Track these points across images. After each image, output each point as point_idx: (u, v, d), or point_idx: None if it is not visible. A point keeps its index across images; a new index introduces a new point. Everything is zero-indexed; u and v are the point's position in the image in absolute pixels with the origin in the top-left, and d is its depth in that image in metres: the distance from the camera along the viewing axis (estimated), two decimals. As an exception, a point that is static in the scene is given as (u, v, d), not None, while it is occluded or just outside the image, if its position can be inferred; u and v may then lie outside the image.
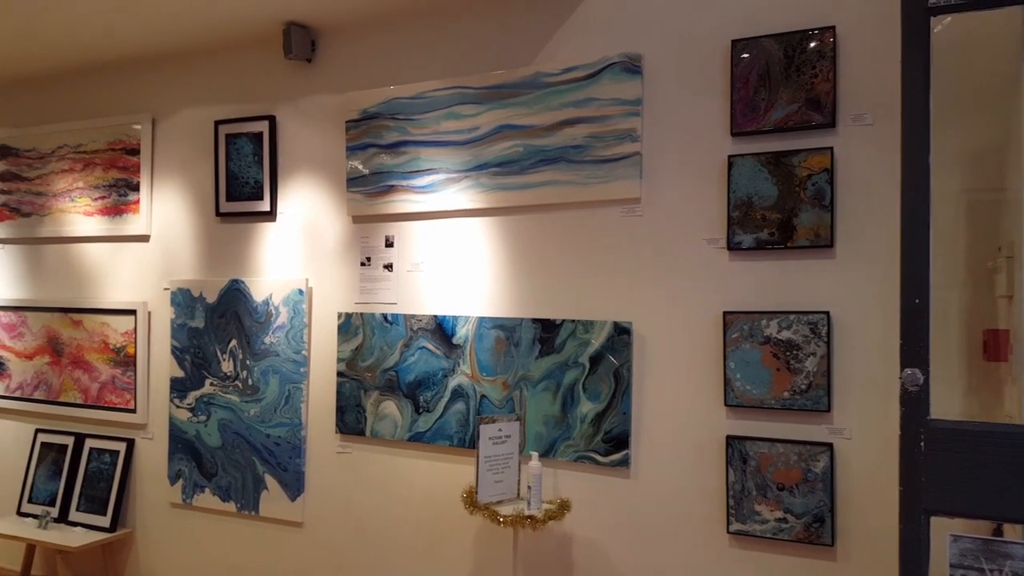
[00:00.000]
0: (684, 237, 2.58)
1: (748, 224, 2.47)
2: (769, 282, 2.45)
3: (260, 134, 3.38)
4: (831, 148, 2.37)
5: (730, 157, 2.48)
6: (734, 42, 2.49)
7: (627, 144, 2.63)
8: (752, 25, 2.49)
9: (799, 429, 2.39)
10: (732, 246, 2.48)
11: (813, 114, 2.40)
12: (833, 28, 2.37)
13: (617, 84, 2.64)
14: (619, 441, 2.63)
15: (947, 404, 2.07)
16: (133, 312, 3.69)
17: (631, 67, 2.63)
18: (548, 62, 2.80)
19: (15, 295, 4.12)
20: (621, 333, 2.63)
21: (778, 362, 2.40)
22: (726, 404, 2.46)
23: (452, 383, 2.93)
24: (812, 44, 2.39)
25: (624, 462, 2.62)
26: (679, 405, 2.57)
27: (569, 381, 2.71)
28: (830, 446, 2.34)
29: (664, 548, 2.58)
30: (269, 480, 3.31)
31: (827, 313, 2.35)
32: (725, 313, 2.47)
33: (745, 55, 2.48)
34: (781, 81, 2.44)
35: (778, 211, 2.43)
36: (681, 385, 2.57)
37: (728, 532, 2.46)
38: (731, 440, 2.46)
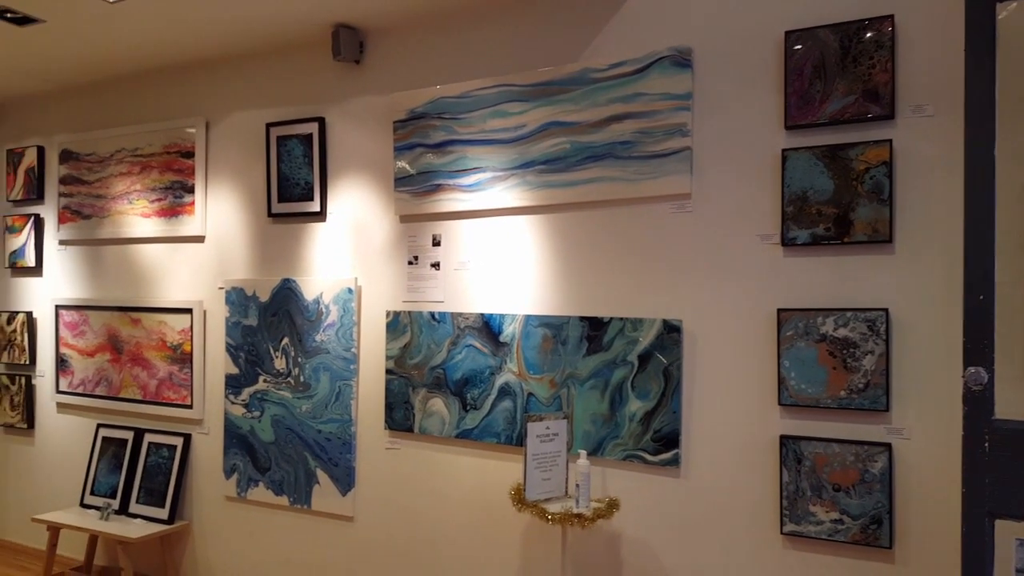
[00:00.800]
0: (736, 233, 2.57)
1: (803, 219, 2.44)
2: (825, 278, 2.43)
3: (310, 136, 3.48)
4: (890, 141, 2.33)
5: (784, 151, 2.46)
6: (787, 33, 2.47)
7: (677, 139, 2.63)
8: (806, 15, 2.47)
9: (856, 429, 2.37)
10: (786, 242, 2.46)
11: (871, 106, 2.36)
12: (891, 17, 2.33)
13: (666, 78, 2.64)
14: (669, 440, 2.63)
15: (1012, 404, 2.02)
16: (189, 311, 3.84)
17: (681, 61, 2.63)
18: (595, 58, 2.82)
19: (77, 295, 4.32)
20: (671, 331, 2.64)
21: (834, 360, 2.38)
22: (780, 403, 2.45)
23: (499, 381, 2.98)
24: (869, 34, 2.36)
25: (674, 461, 2.62)
26: (731, 404, 2.56)
27: (617, 379, 2.73)
28: (888, 446, 2.30)
29: (715, 548, 2.58)
30: (321, 475, 3.41)
31: (886, 310, 2.31)
32: (779, 310, 2.45)
33: (799, 46, 2.45)
34: (837, 72, 2.41)
35: (834, 206, 2.40)
36: (733, 384, 2.56)
37: (782, 533, 2.45)
38: (785, 440, 2.45)
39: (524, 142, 2.93)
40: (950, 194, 2.25)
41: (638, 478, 2.72)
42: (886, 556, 2.33)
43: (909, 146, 2.33)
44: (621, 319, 2.73)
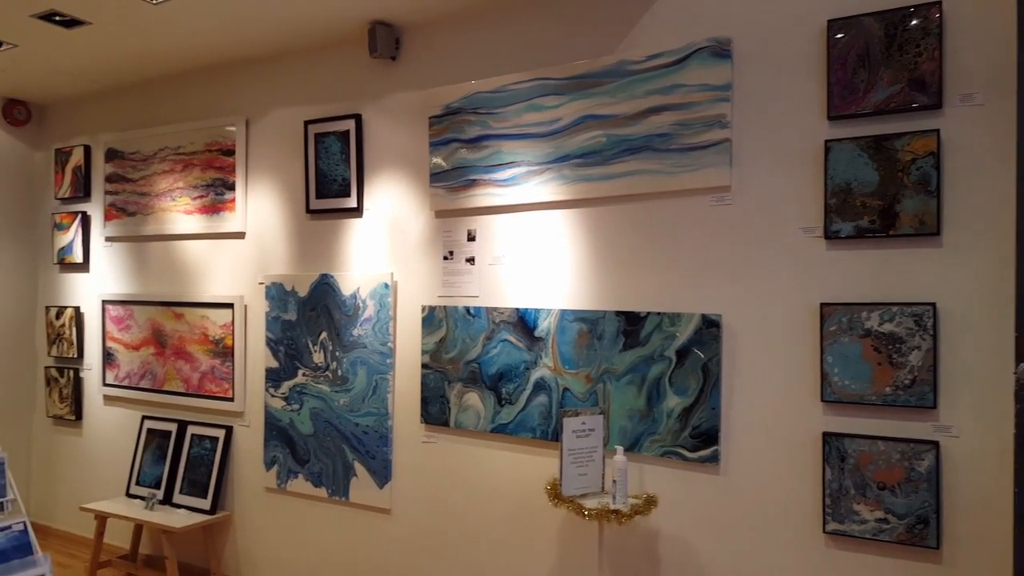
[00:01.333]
0: (777, 226, 2.54)
1: (847, 212, 2.41)
2: (870, 272, 2.39)
3: (347, 132, 3.53)
4: (937, 131, 2.28)
5: (827, 142, 2.43)
6: (830, 22, 2.43)
7: (716, 131, 2.61)
8: (849, 3, 2.42)
9: (902, 426, 2.33)
10: (829, 235, 2.43)
11: (917, 95, 2.31)
12: (939, 3, 2.27)
13: (705, 69, 2.62)
14: (708, 437, 2.62)
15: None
16: (231, 306, 3.93)
17: (720, 51, 2.60)
18: (632, 50, 2.81)
19: (123, 290, 4.46)
20: (710, 326, 2.62)
21: (879, 356, 2.34)
22: (823, 400, 2.42)
23: (534, 376, 2.99)
24: (915, 21, 2.31)
25: (713, 458, 2.61)
26: (772, 400, 2.54)
27: (655, 375, 2.72)
28: (936, 444, 2.26)
29: (755, 546, 2.56)
30: (358, 467, 3.47)
31: (933, 304, 2.27)
32: (822, 305, 2.42)
33: (842, 35, 2.41)
34: (882, 61, 2.36)
35: (879, 198, 2.36)
36: (774, 380, 2.53)
37: (824, 532, 2.42)
38: (828, 437, 2.42)
39: (560, 136, 2.94)
40: (1001, 185, 2.20)
41: (676, 475, 2.71)
42: (933, 557, 2.28)
43: (957, 136, 2.27)
44: (659, 314, 2.73)
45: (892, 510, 2.32)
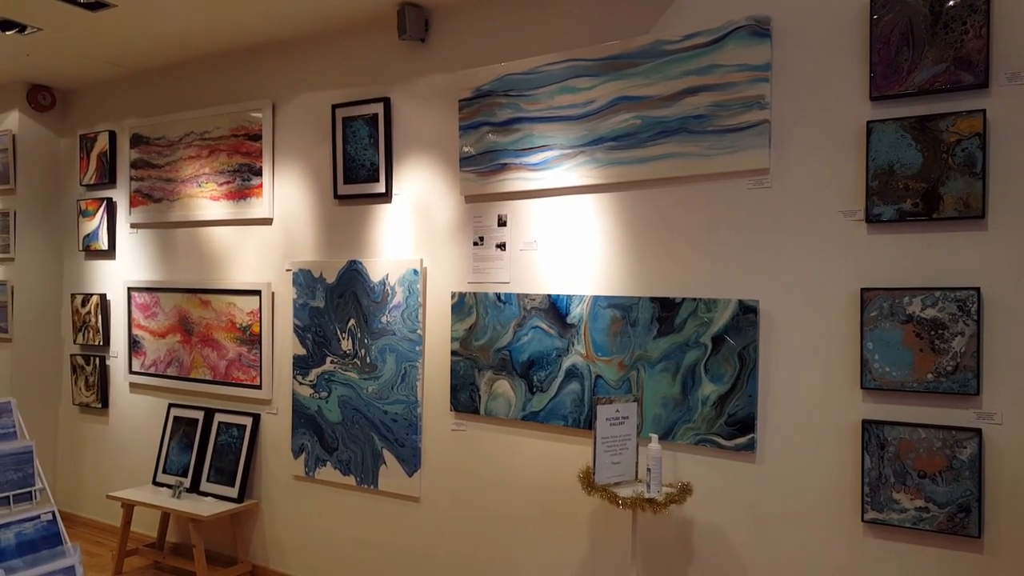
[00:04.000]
0: (817, 209, 2.60)
1: (889, 194, 2.45)
2: (912, 256, 2.44)
3: (375, 116, 3.63)
4: (983, 111, 2.32)
5: (869, 123, 2.47)
6: (872, 0, 2.47)
7: (754, 112, 2.66)
8: (893, -20, 2.46)
9: (944, 413, 2.38)
10: (871, 218, 2.48)
11: (963, 74, 2.35)
12: (987, -22, 2.31)
13: (743, 49, 2.68)
14: (744, 424, 2.69)
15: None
16: (258, 293, 4.07)
17: (759, 30, 2.66)
18: (667, 29, 2.87)
19: (149, 277, 4.62)
20: (747, 312, 2.69)
21: (921, 342, 2.39)
22: (863, 387, 2.48)
23: (566, 363, 3.08)
24: (962, -3, 2.34)
25: (749, 446, 2.68)
26: (810, 387, 2.60)
27: (690, 362, 2.79)
28: (978, 432, 2.31)
29: (792, 535, 2.63)
30: (387, 455, 3.59)
31: (977, 289, 2.31)
32: (863, 290, 2.48)
33: (885, 13, 2.45)
34: (926, 39, 2.40)
35: (923, 180, 2.40)
36: (813, 366, 2.60)
37: (863, 521, 2.48)
38: (868, 424, 2.47)
39: (593, 118, 3.01)
40: (1050, 166, 2.23)
41: (711, 463, 2.78)
42: (974, 546, 2.34)
43: (1005, 116, 2.31)
44: (694, 300, 2.79)
45: (933, 499, 2.37)
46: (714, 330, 2.75)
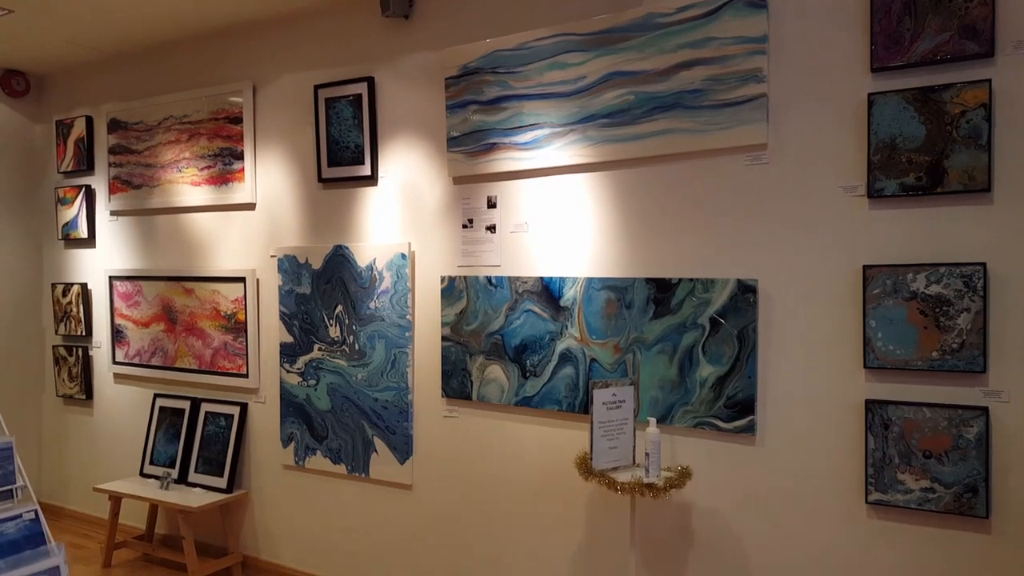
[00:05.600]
0: (817, 185, 2.47)
1: (891, 168, 2.33)
2: (915, 232, 2.32)
3: (359, 96, 3.46)
4: (989, 81, 2.20)
5: (870, 95, 2.35)
6: (874, -34, 2.34)
7: (751, 86, 2.53)
8: (895, -55, 2.33)
9: (949, 392, 2.28)
10: (873, 193, 2.36)
11: (968, 43, 2.23)
12: (994, -58, 2.18)
13: (739, 20, 2.54)
14: (743, 406, 2.58)
15: None
16: (242, 280, 3.90)
17: (755, 1, 2.51)
18: (660, 1, 2.72)
19: (130, 265, 4.42)
20: (745, 292, 2.56)
21: (926, 320, 2.28)
22: (865, 366, 2.37)
23: (560, 347, 2.95)
24: (968, -38, 2.21)
25: (749, 428, 2.57)
26: (812, 368, 2.49)
27: (687, 343, 2.67)
28: (985, 410, 2.21)
29: (794, 518, 2.53)
30: (378, 443, 3.46)
31: (983, 265, 2.20)
32: (865, 267, 2.36)
33: (887, -20, 2.32)
34: (930, 8, 2.28)
35: (926, 153, 2.29)
36: (814, 346, 2.48)
37: (866, 502, 2.38)
38: (871, 404, 2.37)
39: (584, 95, 2.86)
40: (1060, 136, 2.12)
41: (710, 446, 2.67)
42: (981, 526, 2.25)
43: (1011, 86, 2.19)
44: (691, 280, 2.67)
45: (939, 479, 2.28)
46: (712, 310, 2.63)
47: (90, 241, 4.61)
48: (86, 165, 4.56)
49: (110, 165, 4.44)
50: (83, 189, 4.56)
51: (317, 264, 3.62)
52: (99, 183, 4.56)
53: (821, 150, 2.46)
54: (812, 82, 2.47)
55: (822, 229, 2.46)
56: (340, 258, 3.55)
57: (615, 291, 2.83)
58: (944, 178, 2.27)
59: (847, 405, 2.43)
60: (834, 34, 2.43)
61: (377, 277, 3.43)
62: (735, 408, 2.59)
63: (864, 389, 2.40)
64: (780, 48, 2.52)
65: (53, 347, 4.76)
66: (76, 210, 4.60)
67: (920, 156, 2.30)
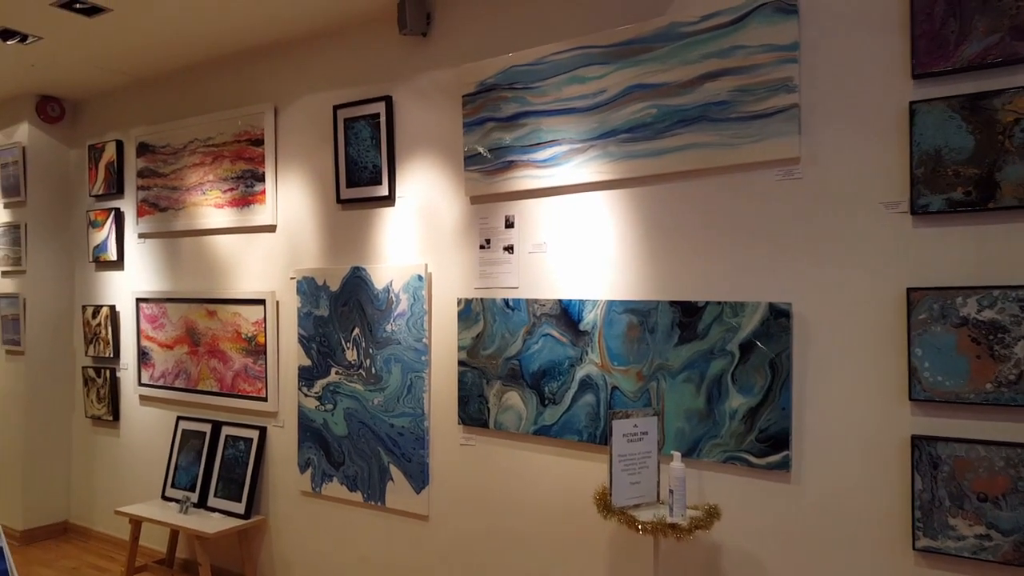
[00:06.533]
0: (855, 201, 2.25)
1: (937, 183, 2.11)
2: (965, 252, 2.09)
3: (377, 116, 3.35)
4: (1046, 85, 1.97)
5: (912, 104, 2.13)
6: (915, -35, 2.13)
7: (782, 96, 2.33)
8: (938, -58, 2.12)
9: (1006, 428, 2.03)
10: (916, 210, 2.13)
11: (1020, 45, 2.01)
12: (1050, -66, 1.96)
13: (768, 28, 2.35)
14: (777, 440, 2.35)
15: None
16: (262, 302, 3.80)
17: (785, 7, 2.32)
18: (684, 10, 2.55)
19: (156, 287, 4.38)
20: (778, 316, 2.35)
21: (978, 348, 2.04)
22: (911, 399, 2.13)
23: (580, 373, 2.76)
24: (1020, -44, 2.00)
25: (783, 464, 2.34)
26: (852, 400, 2.25)
27: (715, 371, 2.46)
28: (1051, 451, 1.95)
29: (833, 565, 2.29)
30: (394, 471, 3.30)
31: (1044, 288, 1.96)
32: (909, 290, 2.13)
33: (930, -21, 2.12)
34: (976, 8, 2.06)
35: (975, 165, 2.06)
36: (854, 376, 2.25)
37: (914, 549, 2.13)
38: (918, 441, 2.12)
39: (604, 109, 2.69)
40: None
41: (741, 483, 2.45)
42: (1048, 581, 1.98)
43: (1073, 90, 1.96)
44: (719, 303, 2.46)
45: (995, 525, 2.02)
46: (742, 336, 2.41)
47: (119, 263, 4.59)
48: (116, 188, 4.55)
49: (138, 188, 4.42)
50: (113, 212, 4.55)
51: (335, 286, 3.51)
52: (128, 206, 4.54)
53: (859, 163, 2.25)
54: (848, 91, 2.26)
55: (861, 248, 2.24)
56: (357, 280, 3.42)
57: (637, 315, 2.64)
58: (996, 192, 2.03)
59: (891, 441, 2.19)
60: (871, 39, 2.23)
61: (394, 299, 3.30)
62: (768, 442, 2.37)
63: (910, 424, 2.16)
64: (813, 55, 2.32)
65: (83, 368, 4.73)
66: (106, 233, 4.59)
67: (968, 169, 2.07)
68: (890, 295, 2.19)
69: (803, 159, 2.34)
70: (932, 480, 2.11)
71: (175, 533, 4.13)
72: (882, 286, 2.20)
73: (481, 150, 3.01)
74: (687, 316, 2.53)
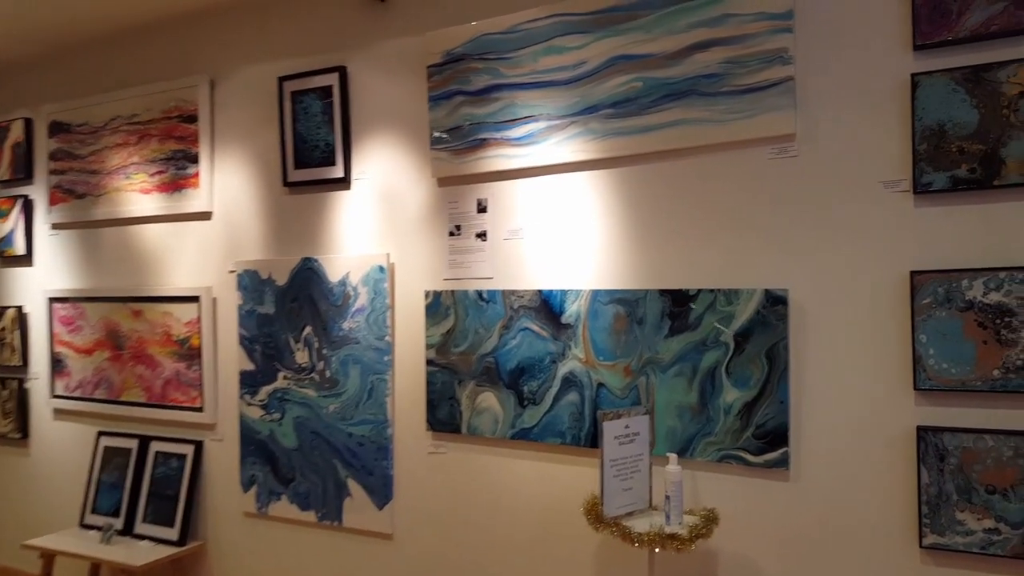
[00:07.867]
0: (854, 180, 2.37)
1: (940, 160, 2.24)
2: (970, 232, 2.22)
3: (329, 88, 3.36)
4: (1050, 56, 2.12)
5: (914, 76, 2.26)
6: (915, -71, 2.26)
7: (776, 68, 2.44)
8: (938, -94, 2.25)
9: (1015, 416, 2.16)
10: (919, 188, 2.26)
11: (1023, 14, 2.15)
12: (1052, -102, 2.10)
13: (762, -6, 2.46)
14: (775, 436, 2.45)
15: None
16: (196, 299, 3.77)
17: (779, -28, 2.44)
18: (671, -24, 2.64)
19: (72, 285, 4.30)
20: (774, 303, 2.45)
21: (985, 333, 2.17)
22: (916, 388, 2.25)
23: (562, 370, 2.83)
24: (1023, -78, 2.14)
25: (782, 462, 2.44)
26: (853, 390, 2.37)
27: (708, 364, 2.56)
28: (1059, 438, 2.10)
29: (837, 565, 2.40)
30: (353, 486, 3.31)
31: (1051, 268, 2.10)
32: (913, 273, 2.25)
33: (930, -56, 2.25)
34: (979, -25, 2.20)
35: (980, 141, 2.19)
36: (855, 365, 2.37)
37: (921, 547, 2.25)
38: (923, 432, 2.25)
39: (585, 82, 2.77)
40: None
41: (737, 482, 2.54)
42: (1058, 574, 2.12)
43: (1077, 61, 2.11)
44: (711, 291, 2.56)
45: (1005, 518, 2.16)
46: (736, 326, 2.51)
47: (27, 259, 4.49)
48: (24, 173, 4.45)
49: (51, 172, 4.34)
50: (20, 200, 4.45)
51: (282, 280, 3.50)
52: (38, 193, 4.45)
53: (858, 139, 2.37)
54: (846, 62, 2.38)
55: (861, 230, 2.36)
56: (308, 272, 3.43)
57: (624, 305, 2.72)
58: (1001, 169, 2.17)
59: (895, 433, 2.31)
60: (870, 7, 2.35)
61: (351, 293, 3.31)
62: (765, 439, 2.47)
63: (915, 414, 2.29)
64: (808, 25, 2.43)
65: (-16, 380, 4.62)
66: (12, 224, 4.49)
67: (973, 144, 2.20)
68: (892, 279, 2.31)
69: (799, 135, 2.45)
70: (939, 473, 2.24)
71: (96, 567, 4.05)
72: (883, 269, 2.33)
73: (449, 123, 3.05)
74: (678, 305, 2.62)
